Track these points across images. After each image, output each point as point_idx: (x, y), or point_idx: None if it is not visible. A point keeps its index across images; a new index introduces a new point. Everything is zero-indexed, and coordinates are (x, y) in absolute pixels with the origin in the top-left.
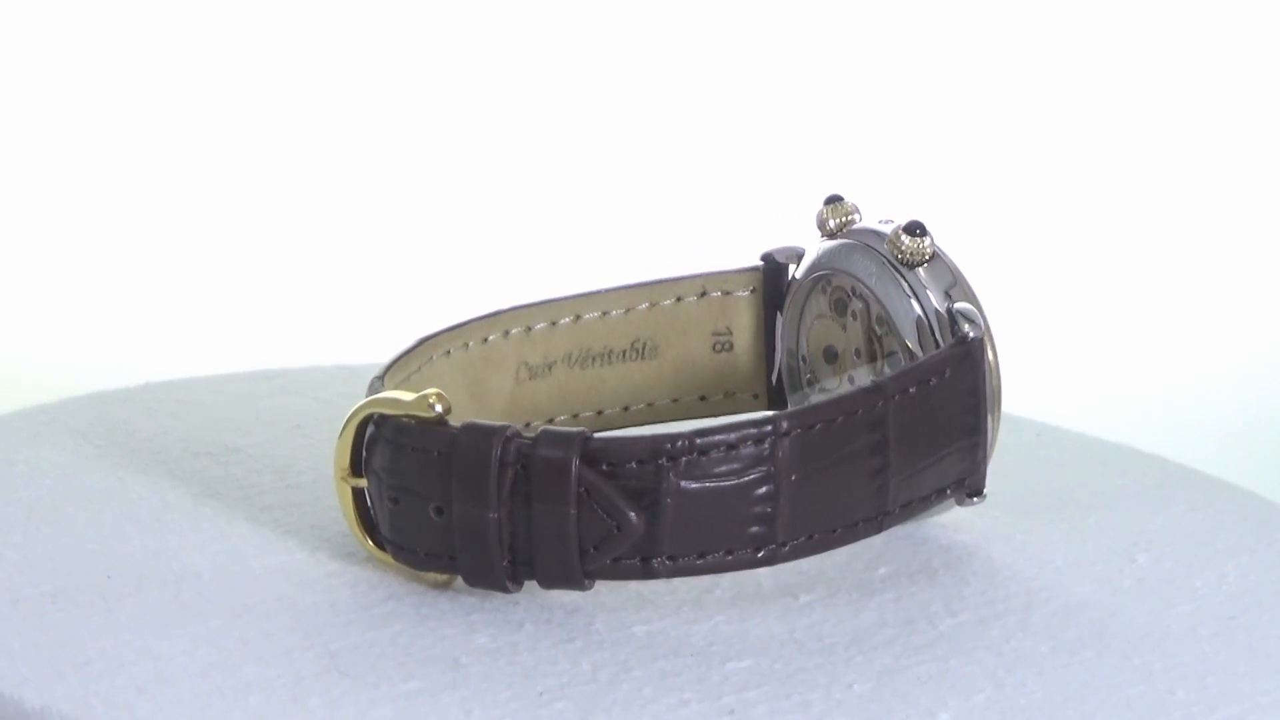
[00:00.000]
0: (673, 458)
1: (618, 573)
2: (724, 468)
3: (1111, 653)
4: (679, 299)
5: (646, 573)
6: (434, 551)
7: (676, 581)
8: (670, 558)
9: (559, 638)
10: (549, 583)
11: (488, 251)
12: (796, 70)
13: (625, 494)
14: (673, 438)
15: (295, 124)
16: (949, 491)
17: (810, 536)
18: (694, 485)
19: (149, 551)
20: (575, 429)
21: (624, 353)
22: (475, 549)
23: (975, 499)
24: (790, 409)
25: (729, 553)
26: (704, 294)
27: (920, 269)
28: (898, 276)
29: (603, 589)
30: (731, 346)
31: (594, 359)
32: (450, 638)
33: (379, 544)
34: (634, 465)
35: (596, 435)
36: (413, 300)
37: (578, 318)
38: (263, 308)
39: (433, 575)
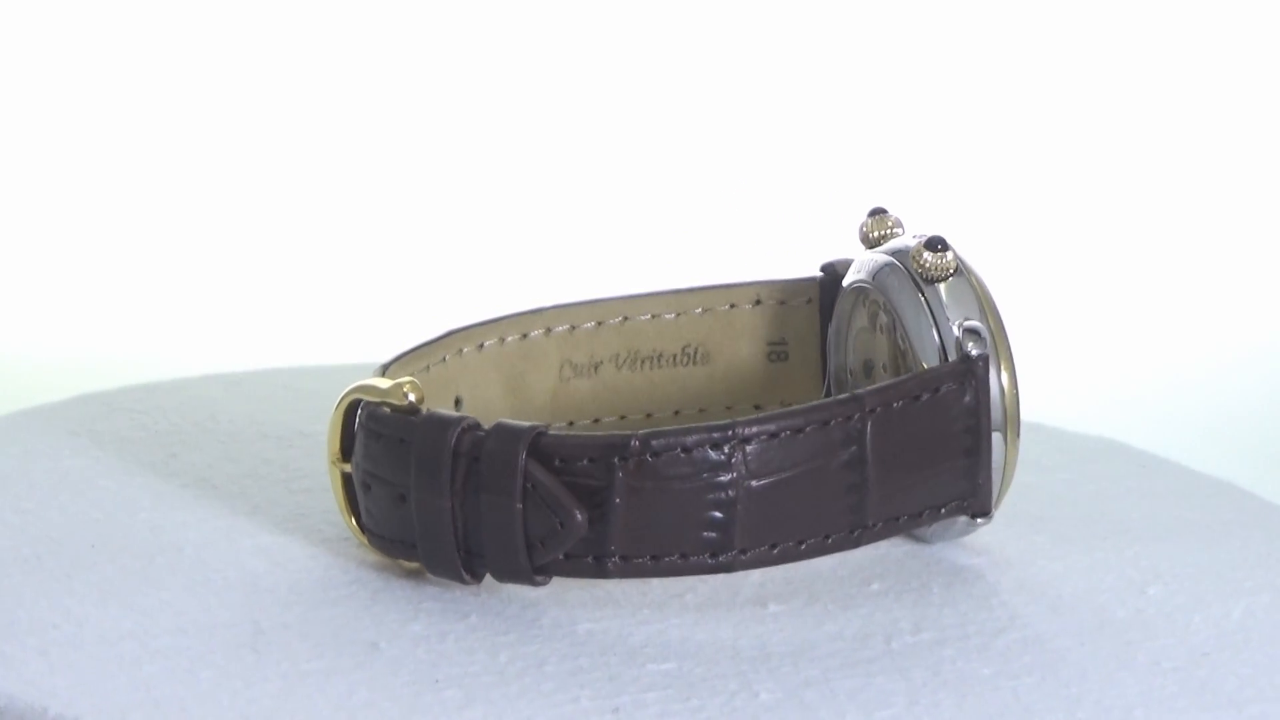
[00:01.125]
0: (625, 457)
1: (572, 570)
2: (678, 470)
3: (1052, 681)
4: (732, 305)
5: (600, 571)
6: (400, 539)
7: (655, 583)
8: (623, 558)
9: (495, 630)
10: (501, 576)
11: (496, 254)
12: (838, 76)
13: (575, 491)
14: (627, 437)
15: (314, 124)
16: (944, 511)
17: (773, 546)
18: (647, 486)
19: (149, 525)
20: (529, 423)
21: (675, 357)
22: (432, 538)
23: (980, 520)
24: (754, 415)
25: (684, 556)
26: (759, 302)
27: (941, 285)
28: (917, 292)
29: (575, 587)
30: (787, 356)
31: (643, 361)
32: (387, 623)
33: (364, 529)
34: (586, 463)
35: (554, 431)
36: (432, 301)
37: (625, 319)
38: (291, 308)
39: (404, 562)
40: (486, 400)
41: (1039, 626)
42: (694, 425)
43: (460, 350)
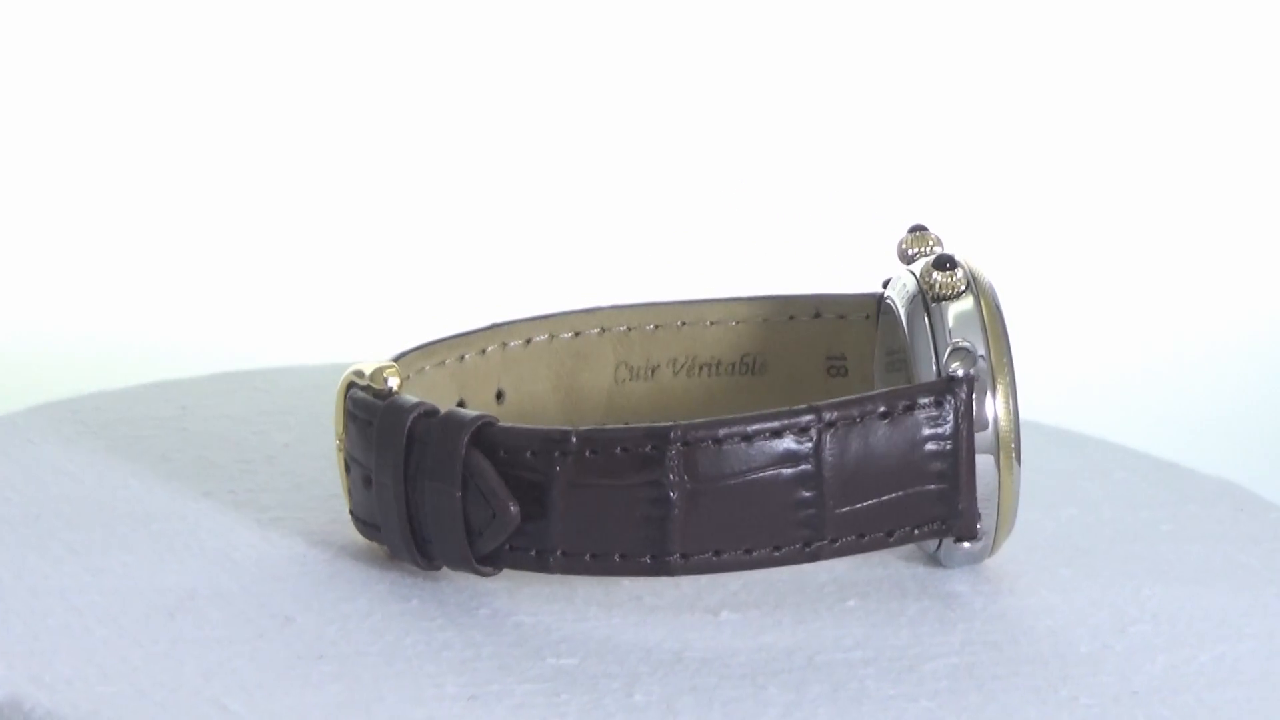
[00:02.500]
0: (565, 453)
1: (517, 563)
2: (616, 468)
3: (948, 709)
4: (792, 317)
5: (542, 566)
6: (370, 521)
7: (625, 584)
8: (565, 554)
9: (426, 615)
10: (450, 564)
11: (498, 257)
12: (888, 90)
13: (517, 484)
14: (568, 433)
15: (313, 124)
16: (918, 533)
17: (717, 553)
18: (586, 483)
19: (148, 500)
20: (478, 412)
21: (733, 365)
22: (389, 522)
23: (966, 544)
24: (697, 419)
25: (623, 557)
26: (818, 315)
27: (949, 304)
28: (923, 311)
29: (538, 582)
30: (846, 372)
31: (701, 368)
32: (322, 599)
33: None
34: (529, 456)
35: (503, 423)
36: (432, 302)
37: (684, 324)
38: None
39: (377, 545)
40: (534, 396)
41: (981, 656)
42: (637, 426)
43: (504, 344)
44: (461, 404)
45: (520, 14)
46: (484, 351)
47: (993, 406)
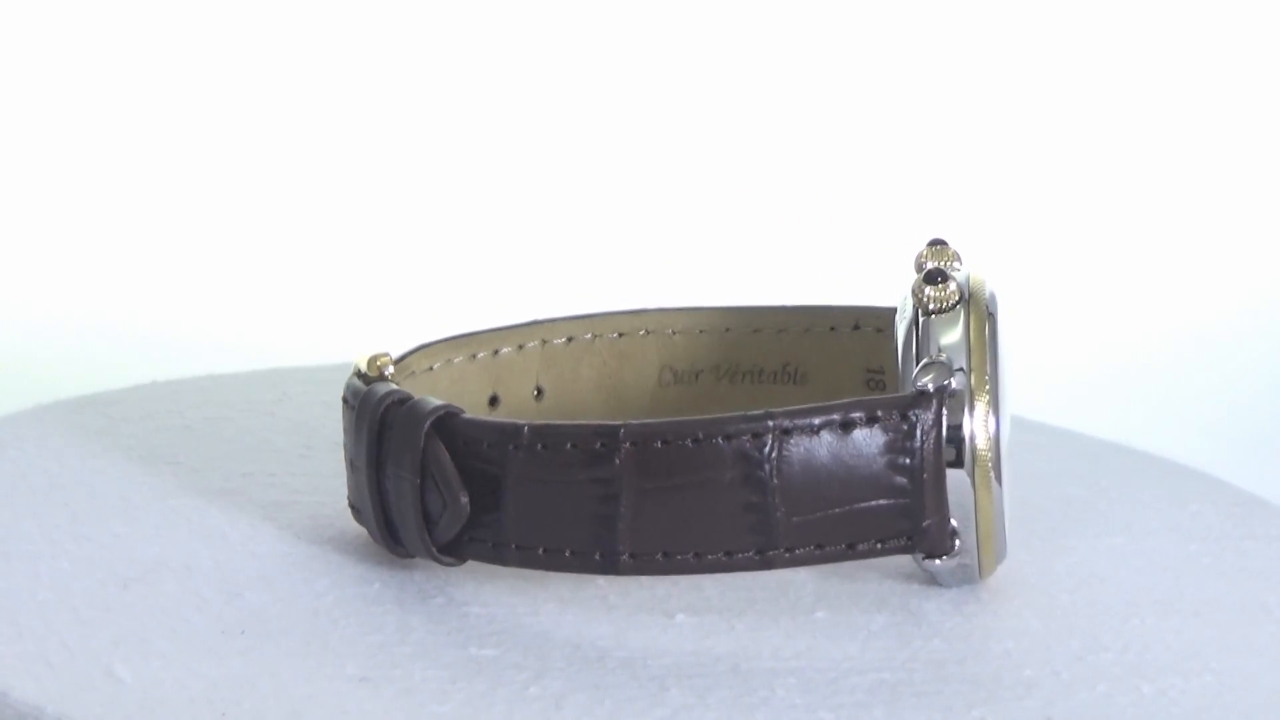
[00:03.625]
0: (517, 446)
1: (477, 554)
2: (565, 463)
3: None
4: (833, 328)
5: (498, 558)
6: (356, 505)
7: (602, 581)
8: (519, 547)
9: (374, 600)
10: (414, 551)
11: (502, 260)
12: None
13: (474, 475)
14: (520, 426)
15: (313, 124)
16: (882, 547)
17: (666, 555)
18: (537, 477)
19: (162, 487)
20: (441, 402)
21: (775, 374)
22: (364, 506)
23: (937, 560)
24: (647, 420)
25: (573, 553)
26: (857, 327)
27: (938, 318)
28: (914, 325)
29: (509, 576)
30: (884, 385)
31: (743, 375)
32: (285, 580)
33: None
34: (485, 448)
35: (466, 415)
36: (433, 304)
37: (729, 330)
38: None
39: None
40: (574, 394)
41: (916, 674)
42: (589, 422)
43: (544, 341)
44: (495, 399)
45: (564, 19)
46: (522, 347)
47: (969, 423)
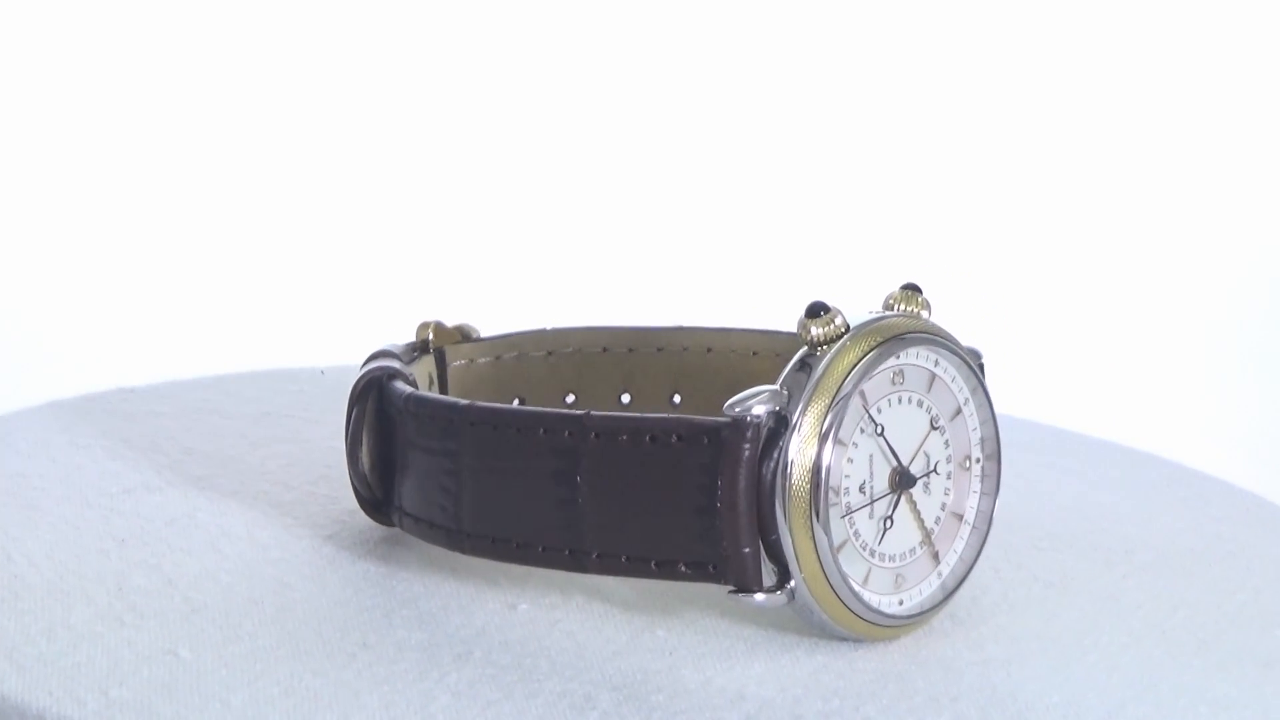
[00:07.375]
0: (415, 417)
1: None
2: (423, 432)
3: None
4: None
5: (389, 520)
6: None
7: (581, 580)
8: (405, 513)
9: (335, 583)
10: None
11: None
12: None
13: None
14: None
15: (312, 125)
16: (684, 570)
17: (493, 540)
18: (410, 445)
19: (183, 485)
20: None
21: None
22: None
23: (756, 596)
24: (494, 404)
25: (431, 525)
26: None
27: (821, 351)
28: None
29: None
30: None
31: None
32: (270, 553)
33: None
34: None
35: (421, 393)
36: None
37: (630, 350)
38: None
39: None
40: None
41: (818, 706)
42: (446, 399)
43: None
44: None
45: (577, 24)
46: (632, 350)
47: (785, 455)
